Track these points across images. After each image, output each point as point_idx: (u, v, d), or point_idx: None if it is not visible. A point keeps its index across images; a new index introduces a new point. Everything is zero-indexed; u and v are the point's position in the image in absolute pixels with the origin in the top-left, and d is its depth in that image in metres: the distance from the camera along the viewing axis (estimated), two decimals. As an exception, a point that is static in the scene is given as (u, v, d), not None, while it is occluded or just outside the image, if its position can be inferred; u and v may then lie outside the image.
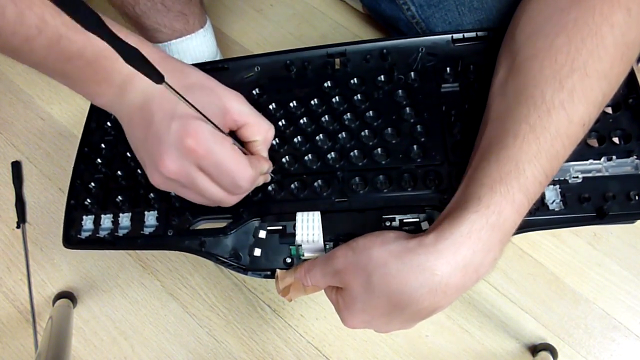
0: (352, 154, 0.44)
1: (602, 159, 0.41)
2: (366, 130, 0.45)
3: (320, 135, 0.45)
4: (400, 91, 0.46)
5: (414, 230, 0.40)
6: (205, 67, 0.51)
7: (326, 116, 0.46)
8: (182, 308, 0.74)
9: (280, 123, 0.47)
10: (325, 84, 0.47)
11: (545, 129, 0.34)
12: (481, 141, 0.37)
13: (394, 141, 0.44)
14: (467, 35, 0.46)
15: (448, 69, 0.45)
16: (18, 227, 0.80)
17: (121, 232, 0.44)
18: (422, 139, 0.43)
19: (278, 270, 0.40)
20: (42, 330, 0.73)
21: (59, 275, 0.77)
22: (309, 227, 0.39)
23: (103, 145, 0.49)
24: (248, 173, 0.36)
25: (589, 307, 0.70)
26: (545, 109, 0.34)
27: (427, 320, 0.66)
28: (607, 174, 0.40)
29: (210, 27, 0.68)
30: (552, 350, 0.67)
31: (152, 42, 0.62)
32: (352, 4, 0.86)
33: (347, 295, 0.35)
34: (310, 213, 0.39)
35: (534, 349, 0.68)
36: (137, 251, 0.78)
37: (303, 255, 0.41)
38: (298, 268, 0.39)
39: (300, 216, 0.39)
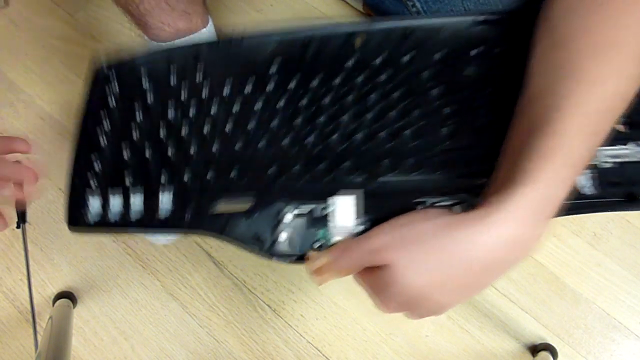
0: (379, 135, 0.43)
1: (630, 144, 0.41)
2: (393, 112, 0.43)
3: (345, 116, 0.44)
4: (425, 72, 0.44)
5: None
6: (218, 43, 0.49)
7: (350, 96, 0.44)
8: (182, 308, 0.74)
9: (302, 103, 0.45)
10: (348, 63, 0.46)
11: (588, 104, 0.34)
12: (523, 119, 0.37)
13: (422, 123, 0.43)
14: (488, 17, 0.46)
15: (470, 51, 0.45)
16: (18, 227, 0.80)
17: (133, 213, 0.42)
18: (450, 122, 0.42)
19: (310, 252, 0.39)
20: (42, 330, 0.73)
21: (59, 275, 0.77)
22: (343, 211, 0.38)
23: (108, 121, 0.46)
24: None
25: (589, 307, 0.70)
26: (586, 84, 0.34)
27: (427, 320, 0.66)
28: (635, 159, 0.40)
29: (213, 27, 0.68)
30: (552, 350, 0.67)
31: (155, 40, 0.63)
32: (353, 4, 0.86)
33: (386, 274, 0.34)
34: (345, 197, 0.38)
35: (534, 349, 0.68)
36: (137, 251, 0.78)
37: (331, 240, 0.40)
38: (332, 248, 0.38)
39: (334, 199, 0.38)
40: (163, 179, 0.43)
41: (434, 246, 0.33)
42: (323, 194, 0.40)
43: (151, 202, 0.43)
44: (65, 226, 0.85)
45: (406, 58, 0.45)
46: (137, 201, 0.43)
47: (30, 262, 0.78)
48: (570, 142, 0.33)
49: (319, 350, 0.71)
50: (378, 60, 0.46)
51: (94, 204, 0.43)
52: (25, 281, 0.77)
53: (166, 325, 0.74)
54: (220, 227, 0.41)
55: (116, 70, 0.47)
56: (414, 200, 0.39)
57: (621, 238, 0.73)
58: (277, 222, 0.41)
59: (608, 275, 0.71)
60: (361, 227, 0.39)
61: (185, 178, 0.43)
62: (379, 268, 0.35)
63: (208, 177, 0.43)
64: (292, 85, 0.46)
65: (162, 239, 0.73)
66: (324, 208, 0.40)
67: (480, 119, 0.42)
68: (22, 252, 0.78)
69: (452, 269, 0.33)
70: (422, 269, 0.33)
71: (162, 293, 0.76)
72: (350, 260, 0.36)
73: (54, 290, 0.76)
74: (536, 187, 0.32)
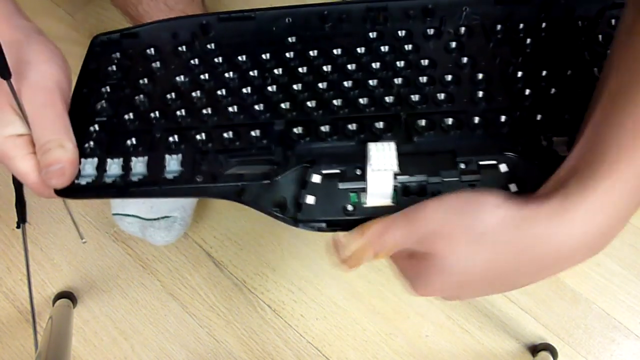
0: (411, 98, 0.41)
1: None
2: (424, 77, 0.42)
3: (374, 81, 0.42)
4: (453, 43, 0.44)
5: (492, 175, 0.36)
6: (231, 14, 0.47)
7: (376, 63, 0.43)
8: (182, 308, 0.74)
9: (325, 69, 0.43)
10: (370, 34, 0.45)
11: None
12: (604, 89, 0.32)
13: (455, 86, 0.42)
14: None
15: (496, 26, 0.44)
16: (18, 227, 0.79)
17: (135, 178, 0.38)
18: (485, 85, 0.41)
19: (337, 234, 0.35)
20: (42, 330, 0.73)
21: (59, 275, 0.77)
22: (384, 156, 0.34)
23: (107, 89, 0.43)
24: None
25: (589, 307, 0.70)
26: None
27: (427, 320, 0.66)
28: None
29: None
30: (552, 350, 0.67)
31: None
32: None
33: (434, 264, 0.30)
34: (385, 143, 0.35)
35: (534, 349, 0.68)
36: (137, 251, 0.78)
37: (366, 203, 0.36)
38: (366, 230, 0.32)
39: (374, 145, 0.35)
40: (171, 139, 0.40)
41: (502, 240, 0.28)
42: (355, 155, 0.37)
43: (156, 162, 0.39)
44: (65, 226, 0.85)
45: (430, 31, 0.45)
46: (139, 162, 0.39)
47: (30, 262, 0.78)
48: None
49: (319, 350, 0.71)
50: (402, 33, 0.45)
51: (87, 165, 0.39)
52: (25, 281, 0.77)
53: (166, 325, 0.74)
54: (238, 192, 0.37)
55: (117, 39, 0.46)
56: (457, 159, 0.37)
57: (621, 238, 0.73)
58: (304, 183, 0.37)
59: (608, 275, 0.71)
60: (400, 186, 0.36)
61: (198, 138, 0.40)
62: (424, 254, 0.31)
63: (225, 137, 0.40)
64: (313, 53, 0.44)
65: (160, 240, 0.73)
66: (357, 168, 0.36)
67: (515, 84, 0.41)
68: (22, 252, 0.78)
69: (514, 265, 0.29)
70: (479, 264, 0.29)
71: (162, 293, 0.76)
72: (392, 244, 0.31)
73: (54, 290, 0.76)
74: (626, 177, 0.27)
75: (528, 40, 0.44)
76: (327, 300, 0.73)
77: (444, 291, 0.32)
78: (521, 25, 0.44)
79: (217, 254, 0.78)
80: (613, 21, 0.43)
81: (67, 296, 0.74)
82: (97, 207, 0.81)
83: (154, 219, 0.72)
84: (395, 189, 0.36)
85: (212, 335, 0.73)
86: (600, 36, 0.43)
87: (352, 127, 0.39)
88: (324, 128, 0.39)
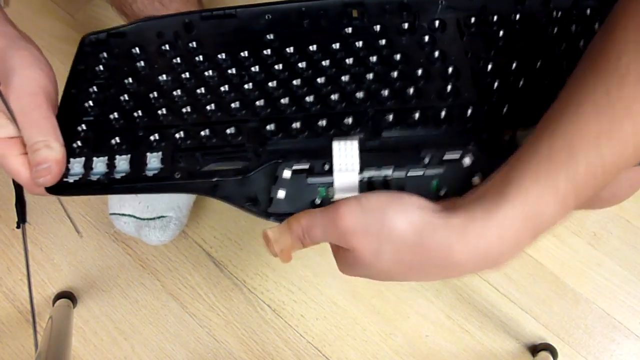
0: (381, 94, 0.42)
1: None
2: (394, 72, 0.43)
3: (345, 77, 0.43)
4: (425, 37, 0.45)
5: (455, 169, 0.37)
6: (212, 12, 0.48)
7: (350, 59, 0.44)
8: (182, 308, 0.75)
9: (300, 65, 0.44)
10: (345, 30, 0.46)
11: (612, 104, 0.27)
12: (545, 115, 0.32)
13: (424, 82, 0.42)
14: None
15: (471, 18, 0.45)
16: (18, 227, 0.79)
17: (118, 176, 0.40)
18: (454, 80, 0.42)
19: (268, 231, 0.37)
20: (42, 330, 0.73)
21: (59, 275, 0.77)
22: (347, 156, 0.36)
23: (94, 88, 0.45)
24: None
25: (589, 307, 0.70)
26: (617, 77, 0.28)
27: (427, 320, 0.67)
28: None
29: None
30: (552, 350, 0.67)
31: None
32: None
33: (352, 257, 0.33)
34: (348, 141, 0.37)
35: (534, 349, 0.68)
36: (137, 251, 0.78)
37: (333, 197, 0.38)
38: (293, 225, 0.35)
39: (337, 144, 0.37)
40: (153, 138, 0.42)
41: (405, 244, 0.31)
42: (324, 150, 0.38)
43: (138, 160, 0.41)
44: (65, 226, 0.85)
45: (405, 26, 0.45)
46: (122, 160, 0.41)
47: (30, 262, 0.78)
48: (579, 152, 0.28)
49: (319, 350, 0.71)
50: (377, 28, 0.46)
51: (75, 163, 0.41)
52: (25, 281, 0.77)
53: (166, 325, 0.74)
54: (212, 187, 0.39)
55: (105, 39, 0.47)
56: (421, 154, 0.38)
57: (621, 238, 0.73)
58: (275, 179, 0.39)
59: (608, 275, 0.71)
60: (365, 181, 0.37)
61: (177, 137, 0.42)
62: (344, 247, 0.34)
63: (202, 135, 0.42)
64: (289, 50, 0.45)
65: (155, 240, 0.73)
66: (325, 163, 0.38)
67: (485, 77, 0.42)
68: (22, 252, 0.78)
69: (418, 265, 0.32)
70: (388, 259, 0.32)
71: (162, 293, 0.76)
72: (314, 239, 0.34)
73: (54, 290, 0.76)
74: (525, 203, 0.29)
75: (501, 33, 0.44)
76: (327, 300, 0.73)
77: (365, 277, 0.35)
78: (495, 18, 0.45)
79: (217, 254, 0.78)
80: (588, 11, 0.43)
81: (67, 296, 0.74)
82: (97, 207, 0.81)
83: (150, 219, 0.72)
84: (361, 183, 0.37)
85: (212, 335, 0.73)
86: (573, 27, 0.42)
87: (322, 123, 0.40)
88: (295, 125, 0.41)
